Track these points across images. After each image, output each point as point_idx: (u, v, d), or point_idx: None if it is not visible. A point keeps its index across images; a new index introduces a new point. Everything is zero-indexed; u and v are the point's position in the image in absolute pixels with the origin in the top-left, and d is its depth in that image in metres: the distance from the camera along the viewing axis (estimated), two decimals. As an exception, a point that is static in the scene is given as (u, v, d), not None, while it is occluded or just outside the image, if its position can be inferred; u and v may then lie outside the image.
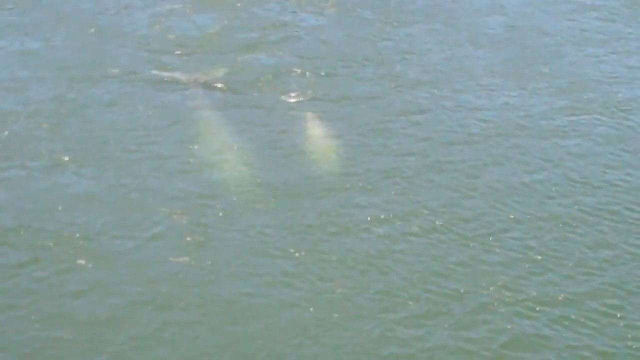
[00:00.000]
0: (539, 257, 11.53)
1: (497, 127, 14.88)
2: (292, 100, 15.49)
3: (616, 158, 14.03)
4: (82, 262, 11.09)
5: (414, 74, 16.78)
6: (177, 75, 16.11)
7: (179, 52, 17.12)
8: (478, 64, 17.34)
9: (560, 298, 10.80)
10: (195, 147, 13.74)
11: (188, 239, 11.59)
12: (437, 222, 12.19)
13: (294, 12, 19.00)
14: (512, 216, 12.38)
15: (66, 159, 13.28)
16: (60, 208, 12.07)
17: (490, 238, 11.89)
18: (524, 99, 16.05)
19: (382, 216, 12.28)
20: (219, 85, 15.85)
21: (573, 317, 10.52)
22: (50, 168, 13.04)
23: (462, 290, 10.90)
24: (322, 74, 16.52)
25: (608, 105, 15.80)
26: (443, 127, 14.80)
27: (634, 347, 10.14)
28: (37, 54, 16.71)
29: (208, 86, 15.82)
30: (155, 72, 16.22)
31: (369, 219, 12.20)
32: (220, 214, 12.10)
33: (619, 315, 10.59)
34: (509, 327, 10.30)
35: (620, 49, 18.21)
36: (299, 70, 16.62)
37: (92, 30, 17.67)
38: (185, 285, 10.80)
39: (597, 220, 12.39)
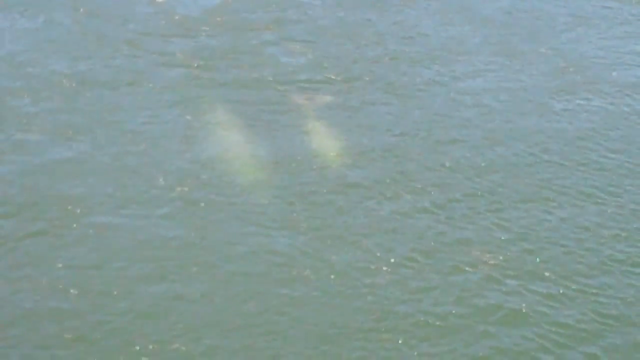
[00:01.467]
0: (527, 232, 11.84)
1: (492, 106, 15.21)
2: (291, 78, 15.81)
3: (604, 139, 14.32)
4: (84, 232, 11.37)
5: (411, 53, 17.10)
6: (180, 53, 16.43)
7: (182, 31, 17.44)
8: (475, 44, 17.65)
9: (546, 274, 11.12)
10: (197, 124, 14.04)
11: (188, 212, 11.88)
12: (432, 197, 12.49)
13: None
14: (500, 193, 12.69)
15: (70, 132, 13.60)
16: (63, 180, 12.39)
17: (482, 214, 12.21)
18: (519, 78, 16.37)
19: (378, 192, 12.59)
20: (222, 65, 16.16)
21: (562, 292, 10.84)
22: (54, 141, 13.36)
23: (455, 264, 11.21)
24: (320, 53, 16.84)
25: (601, 86, 16.10)
26: (438, 105, 15.13)
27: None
28: (41, 31, 17.04)
29: (211, 66, 16.16)
30: (158, 50, 16.54)
31: (364, 194, 12.51)
32: (220, 189, 12.38)
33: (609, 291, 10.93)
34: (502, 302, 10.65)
35: (618, 31, 18.51)
36: (298, 49, 16.94)
37: (95, 9, 17.95)
38: (184, 258, 11.06)
39: (584, 198, 12.72)
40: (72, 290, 10.43)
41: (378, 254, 11.23)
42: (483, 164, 13.37)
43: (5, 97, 14.55)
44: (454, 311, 10.37)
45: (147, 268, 10.86)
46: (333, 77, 15.94)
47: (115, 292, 10.42)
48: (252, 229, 11.66)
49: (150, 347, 9.69)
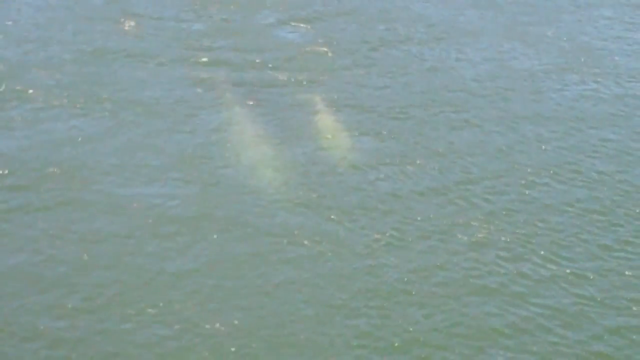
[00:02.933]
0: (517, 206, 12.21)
1: (495, 84, 15.59)
2: (293, 55, 16.28)
3: (601, 121, 14.61)
4: (88, 200, 11.75)
5: (417, 33, 17.44)
6: (190, 32, 16.88)
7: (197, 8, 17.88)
8: (480, 27, 17.94)
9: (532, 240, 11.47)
10: (206, 100, 14.39)
11: (188, 188, 12.25)
12: (433, 167, 12.93)
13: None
14: (494, 168, 13.03)
15: (78, 106, 14.02)
16: (71, 150, 12.82)
17: (474, 186, 12.53)
18: (524, 57, 16.72)
19: (380, 161, 13.01)
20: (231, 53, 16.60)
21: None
22: (62, 114, 13.78)
23: (447, 229, 11.58)
24: (327, 32, 17.24)
25: (602, 70, 16.37)
26: (441, 82, 15.52)
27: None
28: (59, 8, 17.50)
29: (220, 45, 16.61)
30: (170, 29, 16.95)
31: (367, 161, 12.97)
32: (222, 173, 12.67)
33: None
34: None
35: (625, 18, 18.79)
36: (306, 28, 17.34)
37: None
38: (195, 231, 11.35)
39: (577, 178, 13.03)
40: (75, 257, 10.76)
41: (373, 230, 11.63)
42: (482, 144, 13.70)
43: (21, 72, 15.05)
44: (458, 290, 10.68)
45: (157, 239, 11.13)
46: (335, 54, 16.35)
47: (126, 260, 10.73)
48: (252, 206, 11.90)
49: (157, 310, 10.01)
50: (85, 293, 10.17)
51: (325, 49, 16.58)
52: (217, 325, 9.80)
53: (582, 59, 16.79)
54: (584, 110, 14.91)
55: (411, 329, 9.93)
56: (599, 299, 10.52)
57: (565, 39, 17.69)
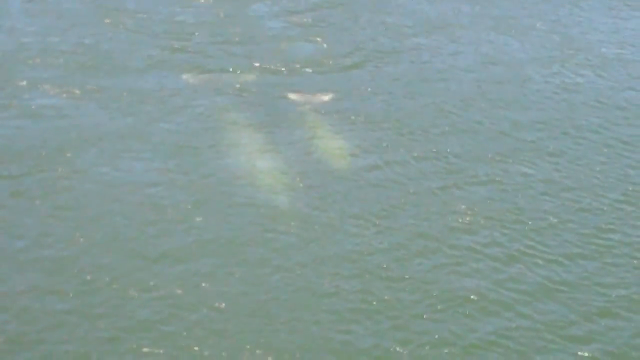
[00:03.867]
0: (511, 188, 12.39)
1: (485, 74, 15.89)
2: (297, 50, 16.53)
3: (586, 108, 14.85)
4: (90, 187, 11.95)
5: (409, 25, 17.72)
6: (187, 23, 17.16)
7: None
8: (472, 18, 18.16)
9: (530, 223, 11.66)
10: (195, 102, 14.51)
11: (178, 173, 12.41)
12: (421, 156, 13.11)
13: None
14: (486, 154, 13.25)
15: (77, 92, 14.34)
16: (64, 137, 13.03)
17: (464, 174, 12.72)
18: (514, 49, 16.99)
19: (369, 150, 13.17)
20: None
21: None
22: (63, 102, 14.04)
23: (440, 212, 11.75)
24: (319, 23, 17.49)
25: (592, 62, 16.60)
26: (431, 73, 15.77)
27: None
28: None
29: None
30: (165, 23, 17.21)
31: (356, 150, 13.11)
32: (211, 160, 12.85)
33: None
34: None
35: (621, 11, 19.03)
36: (298, 20, 17.61)
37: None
38: (187, 208, 11.58)
39: (559, 160, 13.26)
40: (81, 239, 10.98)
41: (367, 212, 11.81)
42: (471, 134, 13.89)
43: (15, 63, 15.33)
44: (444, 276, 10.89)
45: (149, 216, 11.37)
46: (331, 50, 16.60)
47: (121, 237, 10.95)
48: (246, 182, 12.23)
49: (147, 291, 10.14)
50: (81, 275, 10.32)
51: (318, 39, 16.84)
52: (204, 308, 9.97)
53: (571, 51, 17.00)
54: (570, 99, 15.13)
55: (399, 313, 10.05)
56: (577, 283, 10.70)
57: (555, 30, 17.89)
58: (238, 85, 14.97)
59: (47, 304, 9.86)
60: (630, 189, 12.65)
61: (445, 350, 9.52)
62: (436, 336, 9.67)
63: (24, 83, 14.52)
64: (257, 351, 9.35)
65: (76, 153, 12.69)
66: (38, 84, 14.52)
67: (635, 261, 11.11)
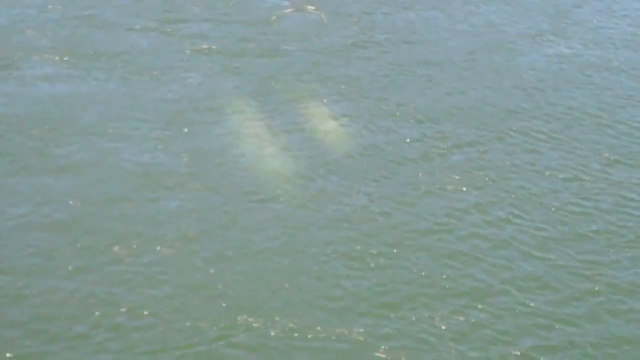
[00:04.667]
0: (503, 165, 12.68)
1: (481, 45, 16.19)
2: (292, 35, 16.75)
3: (573, 82, 15.11)
4: (90, 156, 12.25)
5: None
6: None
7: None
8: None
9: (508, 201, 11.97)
10: (191, 74, 14.76)
11: (173, 145, 12.69)
12: (412, 130, 13.33)
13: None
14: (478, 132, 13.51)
15: (69, 67, 14.54)
16: (61, 109, 13.30)
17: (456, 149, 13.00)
18: (510, 21, 17.28)
19: (364, 127, 13.42)
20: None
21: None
22: (54, 75, 14.28)
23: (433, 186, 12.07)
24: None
25: (586, 35, 16.85)
26: (422, 47, 16.00)
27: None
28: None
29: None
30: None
31: (353, 129, 13.37)
32: (206, 133, 13.12)
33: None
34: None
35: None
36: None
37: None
38: (180, 179, 11.86)
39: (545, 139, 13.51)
40: (71, 202, 11.28)
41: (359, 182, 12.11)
42: (461, 107, 14.15)
43: (14, 35, 15.57)
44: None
45: (142, 185, 11.68)
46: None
47: (113, 211, 11.18)
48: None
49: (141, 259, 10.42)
50: (77, 244, 10.60)
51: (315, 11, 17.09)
52: (195, 270, 10.29)
53: (563, 24, 17.23)
54: (559, 73, 15.36)
55: (390, 288, 10.30)
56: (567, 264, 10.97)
57: (548, 3, 18.12)
58: (233, 58, 15.22)
59: (45, 263, 10.20)
60: (613, 158, 12.97)
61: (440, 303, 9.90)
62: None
63: (22, 53, 14.78)
64: (250, 310, 9.69)
65: (71, 121, 12.96)
66: (35, 54, 14.76)
67: (613, 227, 11.50)
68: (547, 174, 12.53)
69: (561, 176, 12.50)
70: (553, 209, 11.79)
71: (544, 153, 13.01)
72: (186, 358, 9.13)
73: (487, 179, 12.31)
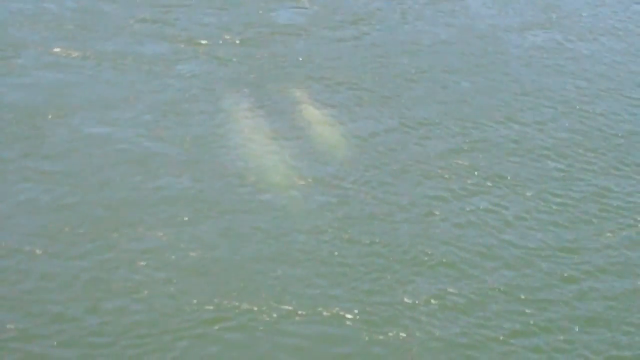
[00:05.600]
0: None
1: (473, 34, 16.60)
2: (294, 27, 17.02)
3: (564, 70, 15.58)
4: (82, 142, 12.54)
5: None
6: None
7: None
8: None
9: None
10: (185, 64, 15.04)
11: (165, 130, 12.97)
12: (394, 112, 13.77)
13: None
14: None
15: (71, 54, 14.88)
16: (59, 96, 13.64)
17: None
18: (502, 14, 17.64)
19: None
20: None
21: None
22: (53, 64, 14.59)
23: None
24: None
25: (574, 27, 17.20)
26: (408, 37, 16.39)
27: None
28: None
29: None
30: None
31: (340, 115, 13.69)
32: (197, 118, 13.41)
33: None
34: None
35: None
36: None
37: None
38: (169, 157, 12.21)
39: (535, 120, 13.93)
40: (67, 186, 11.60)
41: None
42: (446, 92, 14.51)
43: (12, 26, 15.80)
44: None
45: (131, 163, 12.03)
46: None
47: (111, 184, 11.61)
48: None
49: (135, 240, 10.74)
50: (74, 222, 10.93)
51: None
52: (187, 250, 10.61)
53: (553, 16, 17.55)
54: (550, 64, 15.77)
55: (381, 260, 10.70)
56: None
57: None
58: (227, 51, 15.45)
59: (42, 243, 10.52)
60: (593, 146, 13.35)
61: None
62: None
63: (16, 44, 15.03)
64: (237, 287, 10.01)
65: (68, 111, 13.22)
66: (31, 46, 15.02)
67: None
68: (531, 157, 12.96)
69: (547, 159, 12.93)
70: (536, 192, 12.17)
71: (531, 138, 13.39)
72: (181, 340, 9.40)
73: (477, 164, 12.67)
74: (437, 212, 11.59)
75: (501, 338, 9.74)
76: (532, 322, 9.98)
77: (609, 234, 11.46)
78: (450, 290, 10.33)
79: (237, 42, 15.79)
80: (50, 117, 13.06)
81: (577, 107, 14.38)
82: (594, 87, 15.05)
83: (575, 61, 15.88)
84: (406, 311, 9.97)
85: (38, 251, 10.44)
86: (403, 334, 9.68)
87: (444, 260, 10.77)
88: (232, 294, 9.99)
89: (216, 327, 9.57)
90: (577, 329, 9.94)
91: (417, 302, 10.09)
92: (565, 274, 10.71)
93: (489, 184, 12.28)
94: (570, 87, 15.01)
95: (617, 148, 13.38)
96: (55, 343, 9.26)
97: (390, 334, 9.66)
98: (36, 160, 12.06)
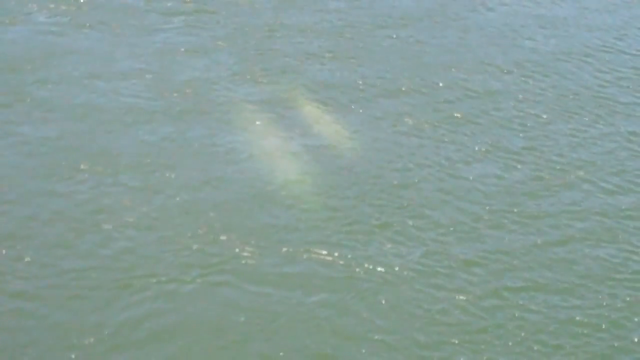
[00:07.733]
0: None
1: (471, 26, 16.54)
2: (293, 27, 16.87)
3: (558, 60, 15.53)
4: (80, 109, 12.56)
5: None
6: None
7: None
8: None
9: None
10: (191, 38, 15.04)
11: (163, 100, 12.96)
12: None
13: None
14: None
15: (75, 24, 15.03)
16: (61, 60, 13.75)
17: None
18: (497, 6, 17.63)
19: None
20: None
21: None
22: (61, 30, 14.71)
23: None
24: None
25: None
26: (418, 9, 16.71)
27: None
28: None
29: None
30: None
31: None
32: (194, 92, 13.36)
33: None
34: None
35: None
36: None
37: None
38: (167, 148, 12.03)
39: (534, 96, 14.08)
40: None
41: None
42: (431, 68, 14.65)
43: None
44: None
45: (133, 137, 11.98)
46: None
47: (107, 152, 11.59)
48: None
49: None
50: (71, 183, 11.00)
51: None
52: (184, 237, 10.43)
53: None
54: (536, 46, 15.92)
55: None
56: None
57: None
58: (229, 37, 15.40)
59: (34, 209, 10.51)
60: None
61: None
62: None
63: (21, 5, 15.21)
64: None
65: (61, 69, 13.38)
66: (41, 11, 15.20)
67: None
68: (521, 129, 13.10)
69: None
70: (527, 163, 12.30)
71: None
72: (178, 290, 9.51)
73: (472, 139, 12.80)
74: (434, 179, 11.76)
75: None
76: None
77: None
78: (453, 245, 10.53)
79: (238, 33, 15.51)
80: (44, 76, 13.17)
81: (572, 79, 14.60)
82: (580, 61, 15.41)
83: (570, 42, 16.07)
84: (400, 258, 10.15)
85: (34, 211, 10.45)
86: (400, 282, 9.87)
87: (450, 219, 10.96)
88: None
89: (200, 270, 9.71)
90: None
91: (417, 254, 10.27)
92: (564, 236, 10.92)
93: (478, 151, 12.43)
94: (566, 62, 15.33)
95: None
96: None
97: (383, 279, 9.84)
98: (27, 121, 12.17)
